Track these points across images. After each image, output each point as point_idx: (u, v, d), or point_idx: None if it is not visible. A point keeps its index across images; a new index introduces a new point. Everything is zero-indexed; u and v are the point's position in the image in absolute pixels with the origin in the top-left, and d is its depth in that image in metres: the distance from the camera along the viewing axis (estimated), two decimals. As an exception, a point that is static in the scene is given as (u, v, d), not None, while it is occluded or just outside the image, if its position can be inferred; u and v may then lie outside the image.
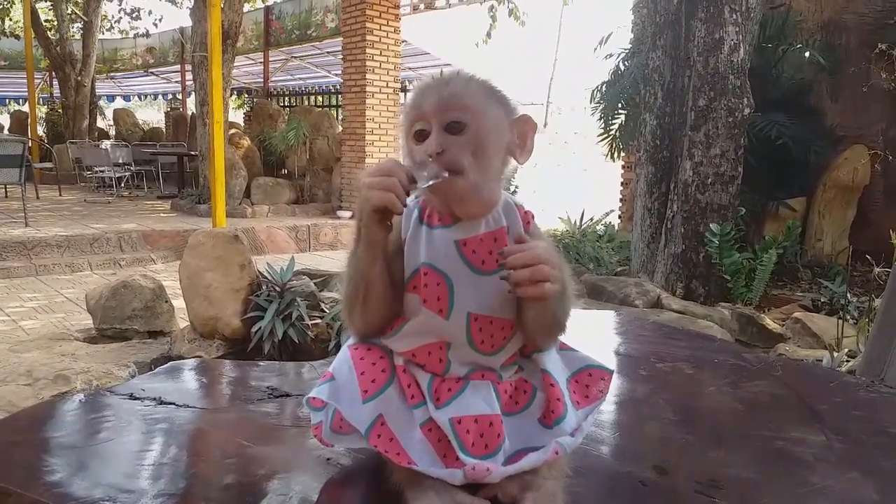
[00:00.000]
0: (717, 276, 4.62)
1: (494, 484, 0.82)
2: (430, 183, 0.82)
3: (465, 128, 0.86)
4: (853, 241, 5.75)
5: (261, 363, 1.20)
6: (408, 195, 0.82)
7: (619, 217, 7.22)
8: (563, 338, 0.91)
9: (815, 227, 5.75)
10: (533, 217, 0.92)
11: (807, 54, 5.62)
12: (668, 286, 4.69)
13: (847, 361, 3.14)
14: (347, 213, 9.93)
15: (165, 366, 1.21)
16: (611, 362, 1.09)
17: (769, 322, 3.94)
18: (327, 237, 9.55)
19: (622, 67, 6.43)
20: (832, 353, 3.12)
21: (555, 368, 0.91)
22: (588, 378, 0.92)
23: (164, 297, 4.69)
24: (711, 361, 1.28)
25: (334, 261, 8.47)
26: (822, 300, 4.32)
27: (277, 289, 4.04)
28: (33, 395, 3.42)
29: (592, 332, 1.45)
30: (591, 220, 6.69)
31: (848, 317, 3.91)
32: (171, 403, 1.02)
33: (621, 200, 7.44)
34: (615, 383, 1.09)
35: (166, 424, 0.96)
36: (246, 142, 10.62)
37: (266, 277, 4.14)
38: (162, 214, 9.77)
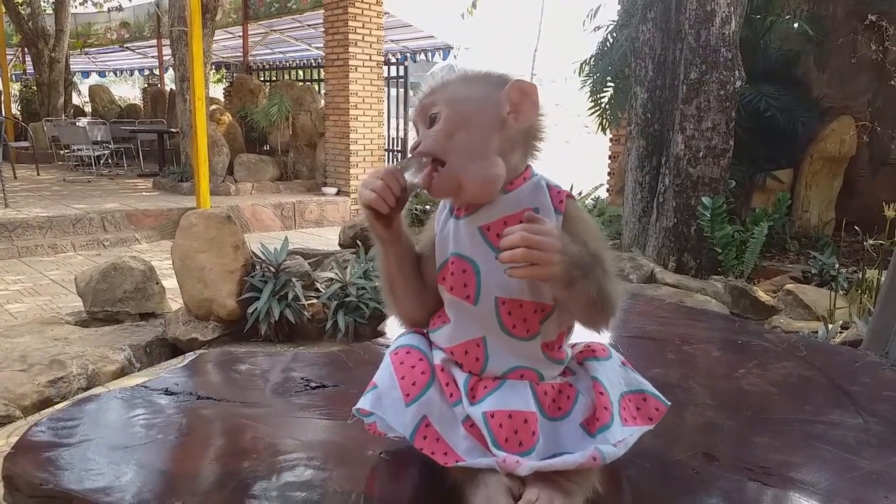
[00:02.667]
0: (709, 249, 4.66)
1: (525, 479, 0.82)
2: (418, 178, 0.84)
3: (437, 116, 0.87)
4: (839, 211, 5.82)
5: (287, 353, 1.19)
6: (405, 196, 0.86)
7: (608, 191, 7.23)
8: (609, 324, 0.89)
9: (802, 198, 5.80)
10: (568, 196, 0.90)
11: (795, 25, 5.62)
12: (660, 260, 4.72)
13: (840, 333, 3.20)
14: (332, 190, 9.86)
15: (192, 358, 1.20)
16: (637, 345, 1.09)
17: (762, 294, 3.98)
18: (313, 214, 9.49)
19: (610, 40, 6.40)
20: (826, 325, 3.17)
21: (608, 379, 0.89)
22: (642, 402, 0.91)
23: (154, 278, 4.65)
24: (735, 343, 1.29)
25: (321, 238, 8.43)
26: (813, 272, 4.38)
27: (272, 269, 4.01)
28: (29, 380, 3.39)
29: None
30: (580, 193, 6.69)
31: (838, 288, 3.96)
32: (208, 398, 1.01)
33: (609, 174, 7.45)
34: (647, 366, 1.09)
35: (210, 421, 0.95)
36: (227, 118, 10.46)
37: (260, 258, 4.11)
38: (144, 193, 9.64)
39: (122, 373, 3.65)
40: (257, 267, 4.09)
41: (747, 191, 5.76)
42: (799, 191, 5.81)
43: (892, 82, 4.72)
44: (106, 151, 11.26)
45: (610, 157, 7.50)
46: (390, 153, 10.19)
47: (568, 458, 0.81)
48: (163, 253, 7.33)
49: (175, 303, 4.79)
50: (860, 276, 3.95)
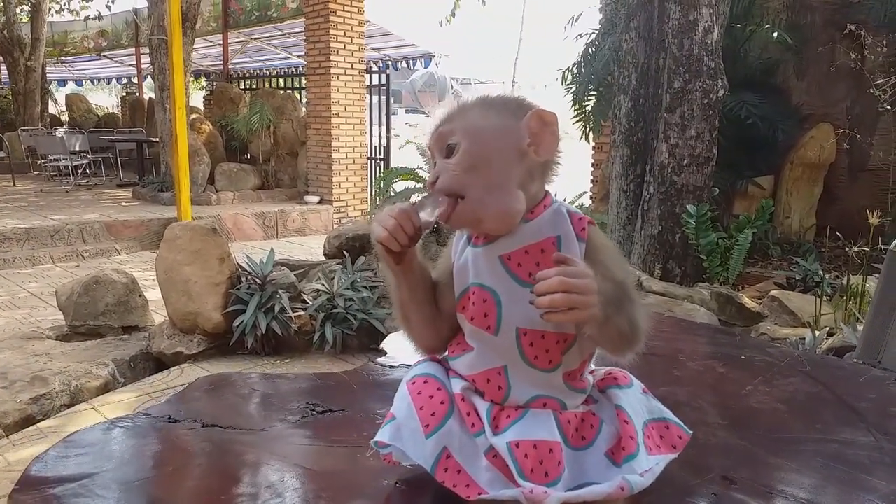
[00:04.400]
0: (693, 257, 4.69)
1: None
2: (436, 214, 0.82)
3: (456, 147, 0.85)
4: (820, 217, 5.89)
5: (288, 374, 1.17)
6: (418, 234, 0.84)
7: (591, 198, 7.26)
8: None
9: (783, 204, 5.87)
10: (589, 223, 0.89)
11: (774, 35, 5.69)
12: (645, 267, 4.74)
13: (827, 339, 3.23)
14: (315, 198, 9.81)
15: (193, 382, 1.17)
16: (641, 362, 1.09)
17: (747, 301, 4.01)
18: (295, 223, 9.43)
19: (593, 48, 6.43)
20: (814, 333, 3.20)
21: (632, 407, 0.88)
22: (665, 430, 0.90)
23: (137, 290, 4.59)
24: (739, 358, 1.29)
25: (305, 247, 8.37)
26: (797, 278, 4.42)
27: (258, 281, 3.97)
28: (10, 397, 3.32)
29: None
30: (564, 200, 6.71)
31: (823, 294, 4.00)
32: (214, 426, 0.98)
33: (592, 181, 7.48)
34: (656, 384, 1.08)
35: (220, 451, 0.92)
36: (207, 126, 10.39)
37: (246, 270, 4.07)
38: (124, 203, 9.53)
39: (105, 388, 3.59)
40: (243, 279, 4.04)
41: (729, 197, 5.81)
42: (780, 197, 5.88)
43: (871, 90, 4.80)
44: (84, 161, 11.12)
45: (593, 165, 7.53)
46: (372, 161, 10.16)
47: (595, 489, 0.80)
48: (144, 264, 7.24)
49: (158, 315, 4.73)
50: (843, 282, 4.00)
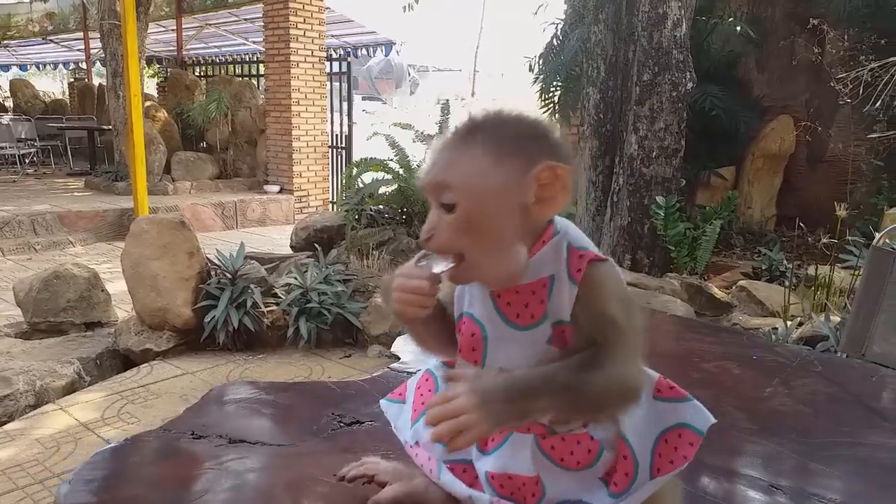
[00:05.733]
0: (661, 247, 4.75)
1: None
2: (441, 272, 0.80)
3: (455, 207, 0.79)
4: (780, 207, 6.04)
5: (304, 382, 1.13)
6: (433, 298, 0.82)
7: (557, 188, 7.30)
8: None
9: (745, 194, 5.99)
10: (592, 260, 0.81)
11: (738, 28, 5.78)
12: (614, 258, 4.76)
13: (797, 329, 3.31)
14: (275, 188, 9.64)
15: (207, 394, 1.13)
16: (655, 363, 1.08)
17: (716, 291, 4.09)
18: (255, 213, 9.27)
19: (559, 39, 6.44)
20: (785, 323, 3.27)
21: (636, 430, 0.85)
22: (678, 439, 0.85)
23: (99, 285, 4.45)
24: (750, 358, 1.30)
25: (266, 238, 8.23)
26: (763, 267, 4.52)
27: (228, 276, 3.89)
28: (-28, 401, 3.19)
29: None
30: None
31: (787, 283, 4.10)
32: (241, 441, 0.94)
33: (558, 172, 7.52)
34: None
35: (254, 470, 0.89)
36: (162, 114, 10.10)
37: (215, 264, 3.98)
38: (76, 193, 9.22)
39: (72, 388, 3.48)
40: (213, 274, 3.95)
41: (692, 188, 5.91)
42: (742, 188, 6.00)
43: (831, 83, 4.92)
44: (32, 150, 10.72)
45: (559, 156, 7.56)
46: (334, 150, 10.02)
47: None
48: (101, 256, 7.03)
49: (121, 311, 4.59)
50: (808, 272, 4.10)
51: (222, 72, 11.91)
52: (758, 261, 4.80)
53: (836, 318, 3.21)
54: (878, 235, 2.78)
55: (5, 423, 3.10)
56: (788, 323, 3.28)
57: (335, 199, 9.83)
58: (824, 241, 3.72)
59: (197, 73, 12.16)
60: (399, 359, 1.29)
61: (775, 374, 1.22)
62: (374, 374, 1.22)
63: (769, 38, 6.10)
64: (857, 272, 3.32)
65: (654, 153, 4.70)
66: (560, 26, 6.48)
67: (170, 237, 3.79)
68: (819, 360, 1.30)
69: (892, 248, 3.37)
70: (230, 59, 12.99)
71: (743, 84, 6.26)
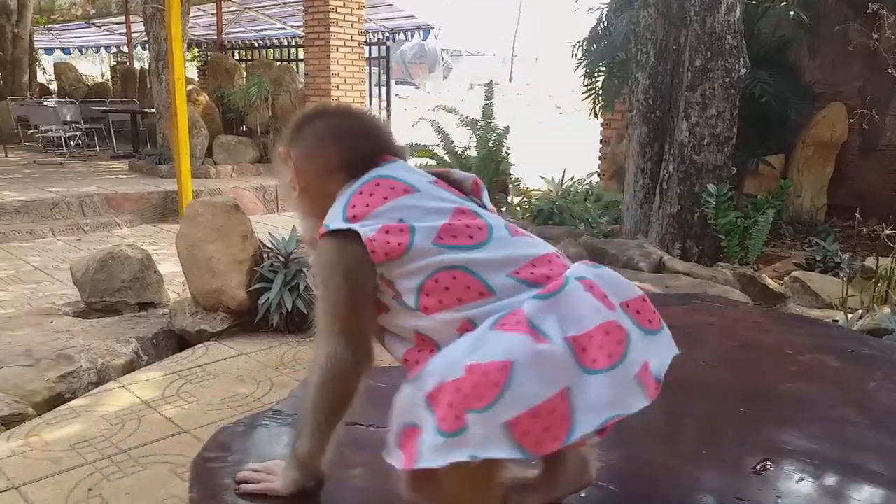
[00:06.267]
0: (711, 236, 4.70)
1: None
2: None
3: None
4: (830, 196, 5.92)
5: (397, 366, 1.15)
6: None
7: (600, 175, 7.24)
8: None
9: (795, 183, 5.89)
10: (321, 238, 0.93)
11: (791, 13, 5.66)
12: (663, 246, 4.75)
13: (858, 321, 3.25)
14: (314, 172, 9.70)
15: (300, 385, 1.15)
16: (747, 356, 1.08)
17: (770, 282, 4.04)
18: (294, 197, 9.34)
19: (603, 23, 6.37)
20: (846, 315, 3.22)
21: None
22: (642, 304, 0.90)
23: (152, 266, 4.53)
24: (846, 352, 1.29)
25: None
26: (817, 258, 4.44)
27: (282, 259, 3.93)
28: (37, 376, 3.27)
29: (703, 326, 1.43)
30: (572, 178, 6.69)
31: (842, 274, 4.03)
32: (353, 423, 0.96)
33: (601, 158, 7.46)
34: (777, 380, 1.08)
35: (374, 451, 0.90)
36: (204, 98, 10.21)
37: (268, 247, 4.02)
38: (121, 176, 9.39)
39: (131, 367, 3.55)
40: (266, 256, 4.00)
41: (740, 176, 5.82)
42: (791, 176, 5.89)
43: (890, 70, 4.79)
44: (77, 132, 10.92)
45: (601, 142, 7.50)
46: (372, 135, 10.05)
47: None
48: (146, 238, 7.16)
49: (172, 292, 4.68)
50: (864, 263, 4.03)
51: (261, 56, 11.98)
52: (809, 251, 4.73)
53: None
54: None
55: (70, 399, 3.18)
56: (849, 315, 3.23)
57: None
58: (887, 231, 3.65)
59: (236, 57, 12.26)
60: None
61: (876, 368, 1.21)
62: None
63: (822, 23, 5.96)
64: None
65: (706, 140, 4.63)
66: (605, 11, 6.40)
67: (224, 220, 3.84)
68: (916, 353, 1.28)
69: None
70: (268, 42, 13.07)
71: (794, 70, 6.13)
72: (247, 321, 3.90)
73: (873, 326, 3.14)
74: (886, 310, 3.15)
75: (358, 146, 0.97)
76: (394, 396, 0.82)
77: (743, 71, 4.60)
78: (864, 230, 4.88)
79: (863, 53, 5.67)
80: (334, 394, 0.85)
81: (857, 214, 4.42)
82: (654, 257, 4.22)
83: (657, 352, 0.83)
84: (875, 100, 5.67)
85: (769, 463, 0.88)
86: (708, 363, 1.19)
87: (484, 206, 0.97)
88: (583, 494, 0.87)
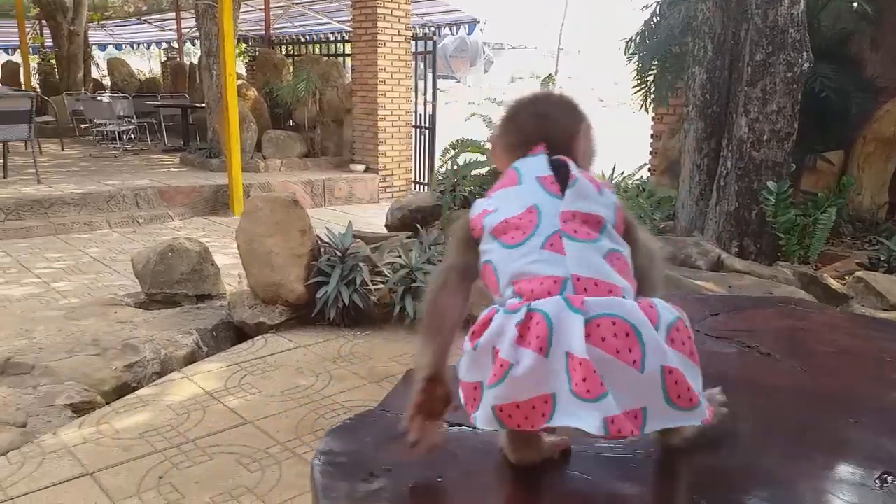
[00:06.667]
0: (769, 234, 4.60)
1: None
2: None
3: None
4: (892, 194, 5.75)
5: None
6: None
7: (651, 171, 7.15)
8: None
9: (855, 180, 5.72)
10: None
11: (854, 4, 5.50)
12: (720, 244, 4.67)
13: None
14: (360, 167, 9.77)
15: (405, 375, 1.16)
16: (848, 363, 1.05)
17: (832, 282, 3.94)
18: (342, 191, 9.43)
19: (656, 17, 6.28)
20: (917, 316, 3.13)
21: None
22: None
23: (209, 259, 4.63)
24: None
25: (353, 216, 8.35)
26: (881, 258, 4.33)
27: (338, 254, 3.98)
28: (105, 365, 3.37)
29: (796, 331, 1.40)
30: (622, 174, 6.61)
31: (908, 275, 3.92)
32: (461, 425, 0.96)
33: (652, 153, 7.36)
34: (873, 388, 1.05)
35: (491, 455, 0.91)
36: (253, 93, 10.36)
37: (326, 242, 4.07)
38: (172, 169, 9.58)
39: (192, 357, 3.64)
40: (323, 251, 4.05)
41: (798, 172, 5.68)
42: (851, 172, 5.73)
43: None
44: (130, 126, 11.18)
45: (653, 137, 7.40)
46: (417, 129, 10.08)
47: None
48: (198, 230, 7.30)
49: (227, 284, 4.77)
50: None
51: (308, 51, 12.10)
52: (872, 250, 4.60)
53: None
54: None
55: (136, 388, 3.27)
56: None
57: (421, 179, 9.89)
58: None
59: (284, 53, 12.40)
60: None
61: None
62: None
63: (885, 15, 5.78)
64: None
65: (765, 136, 4.54)
66: (659, 5, 6.31)
67: (283, 215, 3.90)
68: None
69: None
70: (315, 38, 13.18)
71: (856, 63, 5.96)
72: (304, 314, 3.96)
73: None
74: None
75: (520, 133, 1.05)
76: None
77: (806, 65, 4.48)
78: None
79: (930, 46, 5.48)
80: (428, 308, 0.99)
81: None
82: (713, 255, 4.15)
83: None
84: (941, 94, 5.48)
85: (890, 476, 0.86)
86: (808, 370, 1.17)
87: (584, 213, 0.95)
88: None
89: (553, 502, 0.86)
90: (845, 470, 0.90)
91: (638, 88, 6.51)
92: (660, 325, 0.84)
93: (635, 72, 6.41)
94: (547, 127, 1.04)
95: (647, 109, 6.70)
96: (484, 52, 34.34)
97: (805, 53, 4.46)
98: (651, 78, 6.46)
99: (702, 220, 4.91)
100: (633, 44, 6.44)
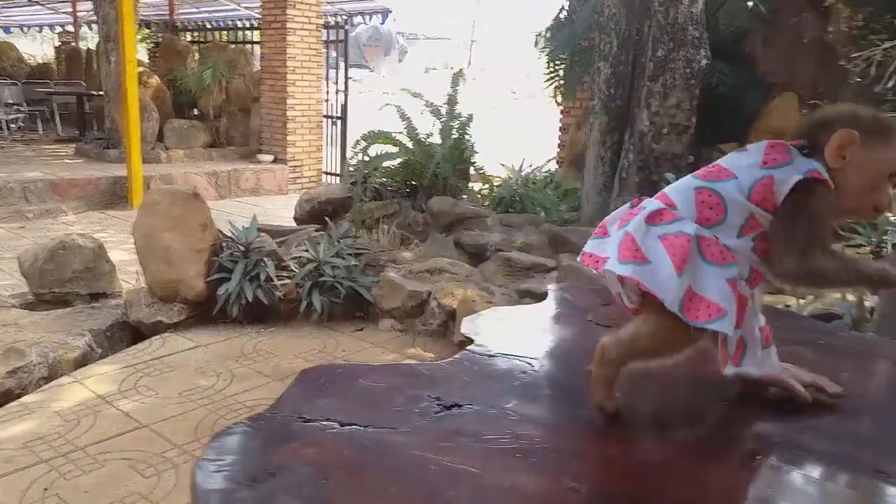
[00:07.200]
0: (669, 224, 4.76)
1: None
2: None
3: None
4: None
5: (393, 364, 1.12)
6: None
7: (558, 163, 7.27)
8: None
9: (749, 172, 5.99)
10: None
11: (749, 3, 5.75)
12: (623, 234, 4.79)
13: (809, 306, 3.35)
14: (268, 157, 9.53)
15: (298, 377, 1.12)
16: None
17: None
18: (248, 183, 9.18)
19: (566, 12, 6.38)
20: (798, 300, 3.31)
21: None
22: None
23: (104, 256, 4.39)
24: (817, 343, 1.31)
25: (261, 209, 8.14)
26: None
27: (242, 248, 3.85)
28: (-15, 371, 3.14)
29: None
30: (531, 166, 6.70)
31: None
32: (352, 424, 0.93)
33: (560, 146, 7.49)
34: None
35: (382, 453, 0.88)
36: (155, 80, 9.90)
37: (228, 237, 3.93)
38: (67, 161, 9.06)
39: (84, 360, 3.44)
40: (225, 246, 3.91)
41: (695, 165, 5.91)
42: (745, 165, 6.00)
43: (842, 62, 4.91)
44: (19, 115, 10.49)
45: (561, 129, 7.53)
46: (329, 120, 9.90)
47: None
48: (93, 225, 6.93)
49: (124, 282, 4.54)
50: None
51: (215, 38, 11.69)
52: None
53: (851, 298, 3.24)
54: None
55: (21, 395, 3.06)
56: (801, 301, 3.31)
57: (332, 170, 9.73)
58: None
59: (188, 39, 11.93)
60: (473, 341, 1.28)
61: (847, 359, 1.23)
62: (456, 357, 1.20)
63: (778, 15, 6.07)
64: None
65: (665, 130, 4.68)
66: (569, 1, 6.41)
67: (182, 208, 3.74)
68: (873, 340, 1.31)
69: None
70: (223, 24, 12.74)
71: (750, 61, 6.23)
72: (205, 312, 3.82)
73: (821, 311, 3.24)
74: (837, 295, 3.23)
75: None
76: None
77: (704, 62, 4.65)
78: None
79: (816, 45, 5.79)
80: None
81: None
82: (616, 246, 4.25)
83: None
84: (826, 91, 5.80)
85: (759, 456, 0.89)
86: (692, 356, 1.19)
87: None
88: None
89: (440, 500, 0.84)
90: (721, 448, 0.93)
91: (548, 82, 6.60)
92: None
93: (545, 65, 6.50)
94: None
95: (557, 103, 6.80)
96: (398, 42, 34.12)
97: (703, 50, 4.63)
98: (560, 72, 6.56)
99: (605, 211, 5.00)
100: (543, 37, 6.52)
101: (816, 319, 3.33)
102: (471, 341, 1.28)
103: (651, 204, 1.10)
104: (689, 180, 1.13)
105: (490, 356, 1.21)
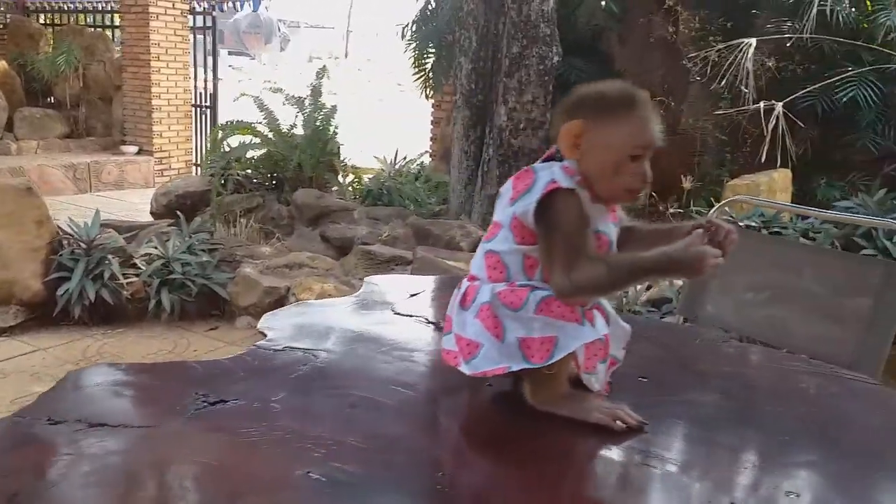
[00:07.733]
0: (528, 216, 4.94)
1: None
2: None
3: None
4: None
5: (167, 363, 1.13)
6: None
7: (431, 156, 7.36)
8: None
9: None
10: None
11: (602, 3, 6.02)
12: (484, 227, 4.93)
13: (645, 292, 3.58)
14: (133, 149, 9.09)
15: (63, 378, 1.09)
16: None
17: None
18: (111, 176, 8.73)
19: (432, 5, 6.45)
20: (634, 287, 3.53)
21: None
22: None
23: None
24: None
25: (124, 203, 7.78)
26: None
27: (83, 245, 3.67)
28: None
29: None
30: (405, 158, 6.75)
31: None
32: (101, 425, 0.92)
33: (432, 139, 7.57)
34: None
35: (116, 453, 0.87)
36: (2, 65, 9.21)
37: (68, 233, 3.74)
38: None
39: None
40: (65, 244, 3.71)
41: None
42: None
43: (683, 62, 5.26)
44: None
45: (432, 123, 7.62)
46: (197, 109, 9.54)
47: None
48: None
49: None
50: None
51: (71, 21, 10.98)
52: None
53: (678, 283, 3.49)
54: (716, 206, 3.04)
55: None
56: (638, 287, 3.54)
57: (199, 162, 9.41)
58: (672, 210, 4.02)
59: (42, 21, 11.15)
60: (266, 336, 1.30)
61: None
62: (240, 353, 1.22)
63: (630, 14, 6.40)
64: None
65: (522, 125, 4.85)
66: (431, -7, 6.49)
67: (15, 205, 3.52)
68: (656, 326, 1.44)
69: (731, 218, 3.70)
70: (80, 6, 11.97)
71: (606, 58, 6.54)
72: (45, 314, 3.62)
73: (659, 296, 3.48)
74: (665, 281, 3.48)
75: None
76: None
77: (556, 59, 4.84)
78: (661, 208, 5.33)
79: (664, 45, 6.16)
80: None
81: (653, 193, 4.82)
82: (475, 237, 4.37)
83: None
84: (672, 88, 6.19)
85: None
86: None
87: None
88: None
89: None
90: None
91: (417, 75, 6.66)
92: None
93: (412, 58, 6.55)
94: None
95: (427, 96, 6.88)
96: (279, 30, 33.26)
97: (555, 47, 4.82)
98: (429, 65, 6.64)
99: (470, 204, 5.15)
100: (410, 30, 6.57)
101: (651, 306, 3.60)
102: (264, 336, 1.30)
103: (463, 286, 1.11)
104: (481, 245, 1.13)
105: (276, 350, 1.23)
